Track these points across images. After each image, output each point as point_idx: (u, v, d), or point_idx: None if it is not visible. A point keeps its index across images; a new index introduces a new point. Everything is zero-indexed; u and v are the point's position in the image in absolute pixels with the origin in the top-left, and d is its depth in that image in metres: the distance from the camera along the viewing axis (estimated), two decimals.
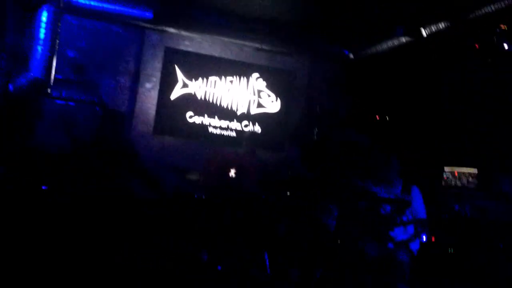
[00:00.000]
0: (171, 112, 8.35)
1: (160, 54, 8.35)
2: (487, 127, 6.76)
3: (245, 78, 8.71)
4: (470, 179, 6.39)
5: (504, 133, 6.53)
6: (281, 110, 8.83)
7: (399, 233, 5.32)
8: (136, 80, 8.28)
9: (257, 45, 8.46)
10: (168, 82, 8.35)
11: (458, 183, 6.49)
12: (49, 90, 6.57)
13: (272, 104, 8.81)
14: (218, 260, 5.59)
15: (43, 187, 5.35)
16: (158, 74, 8.33)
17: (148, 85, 8.30)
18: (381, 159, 6.71)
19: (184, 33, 8.26)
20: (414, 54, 7.38)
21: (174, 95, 8.36)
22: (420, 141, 7.42)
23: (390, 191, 5.53)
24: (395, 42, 7.40)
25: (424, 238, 5.23)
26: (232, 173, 6.28)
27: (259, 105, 8.76)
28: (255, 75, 8.74)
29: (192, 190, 6.55)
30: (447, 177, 6.63)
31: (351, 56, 8.35)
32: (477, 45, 6.69)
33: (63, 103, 7.09)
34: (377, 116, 8.13)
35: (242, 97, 8.69)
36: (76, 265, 4.57)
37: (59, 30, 6.54)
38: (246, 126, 8.54)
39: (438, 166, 6.59)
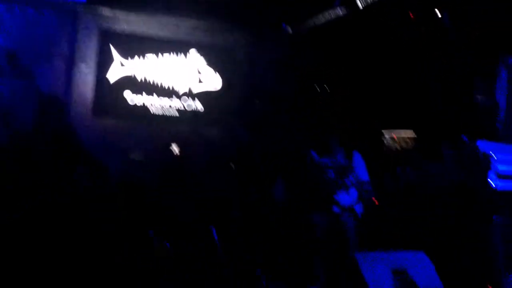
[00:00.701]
0: (110, 93, 8.19)
1: (95, 36, 8.16)
2: (424, 92, 6.93)
3: (184, 56, 8.62)
4: (410, 143, 6.56)
5: (441, 96, 6.71)
6: (223, 87, 8.79)
7: (343, 198, 5.42)
8: (72, 64, 8.07)
9: (195, 22, 8.39)
10: (105, 64, 8.18)
11: (398, 147, 6.64)
12: None
13: (214, 82, 8.76)
14: (166, 238, 5.58)
15: None
16: (94, 57, 8.15)
17: (84, 68, 8.11)
18: (322, 128, 6.83)
19: (118, 13, 8.14)
20: (351, 26, 7.46)
21: (112, 77, 8.20)
22: (360, 110, 7.54)
23: (332, 158, 5.64)
24: (332, 14, 7.47)
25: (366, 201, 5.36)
26: (177, 152, 6.24)
27: (200, 83, 8.70)
28: (195, 53, 8.66)
29: (138, 173, 6.50)
30: (387, 142, 6.78)
31: (290, 30, 8.39)
32: (411, 14, 6.83)
33: None
34: (317, 88, 8.21)
35: (182, 76, 8.60)
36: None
37: None
38: (188, 104, 8.47)
39: (378, 132, 6.72)
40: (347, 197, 5.45)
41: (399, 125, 6.77)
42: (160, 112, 8.39)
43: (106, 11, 7.96)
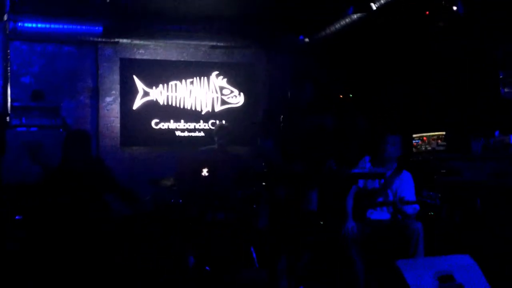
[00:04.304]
0: (135, 122, 8.29)
1: (116, 67, 8.28)
2: (450, 92, 6.86)
3: (205, 77, 8.69)
4: (439, 142, 6.47)
5: (467, 95, 6.63)
6: (244, 104, 8.85)
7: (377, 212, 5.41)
8: (96, 96, 8.22)
9: (213, 43, 8.46)
10: (128, 93, 8.30)
11: (428, 147, 6.56)
12: (8, 119, 6.44)
13: (236, 99, 8.82)
14: (206, 262, 5.58)
15: (16, 217, 5.27)
16: (117, 87, 8.27)
17: (108, 99, 8.24)
18: (349, 139, 6.77)
19: (137, 42, 8.22)
20: (367, 29, 7.43)
21: (136, 105, 8.31)
22: (386, 113, 7.49)
23: (362, 167, 5.59)
24: (347, 20, 7.43)
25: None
26: (205, 172, 6.24)
27: (223, 102, 8.76)
28: (215, 72, 8.73)
29: (168, 197, 6.51)
30: (417, 144, 6.71)
31: (307, 40, 8.38)
32: (427, 12, 6.76)
33: (25, 130, 6.97)
34: (340, 96, 8.17)
35: (204, 97, 8.67)
36: None
37: (9, 57, 6.41)
38: (212, 124, 8.52)
39: (408, 135, 6.65)
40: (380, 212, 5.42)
41: (429, 128, 6.69)
42: (186, 135, 8.46)
43: (124, 40, 8.03)
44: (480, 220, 5.49)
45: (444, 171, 6.03)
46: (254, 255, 5.80)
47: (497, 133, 5.51)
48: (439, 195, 5.03)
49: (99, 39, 7.95)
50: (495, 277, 4.28)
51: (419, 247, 5.13)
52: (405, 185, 5.50)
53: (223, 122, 8.59)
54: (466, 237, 5.45)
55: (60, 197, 5.15)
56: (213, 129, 7.85)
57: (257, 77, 8.96)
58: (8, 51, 6.39)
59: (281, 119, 6.71)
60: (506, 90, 6.13)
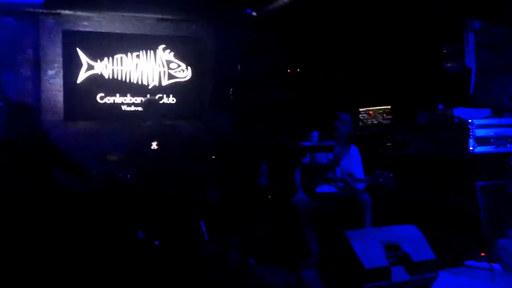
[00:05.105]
0: (80, 96, 8.07)
1: (58, 39, 8.00)
2: (395, 66, 6.97)
3: (151, 51, 8.52)
4: (385, 116, 6.60)
5: (412, 69, 6.76)
6: (192, 78, 8.74)
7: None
8: (37, 69, 7.93)
9: (159, 16, 8.32)
10: (71, 66, 8.04)
11: (374, 121, 6.68)
12: None
13: (183, 73, 8.70)
14: (155, 237, 5.55)
15: None
16: (60, 60, 8.00)
17: (51, 72, 7.97)
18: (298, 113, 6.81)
19: (80, 13, 7.99)
20: (314, 3, 7.43)
21: (80, 79, 8.07)
22: (333, 89, 7.56)
23: (309, 143, 5.65)
24: None
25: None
26: (154, 147, 6.18)
27: (170, 76, 8.63)
28: (161, 46, 8.57)
29: (116, 171, 6.43)
30: (363, 117, 6.81)
31: (254, 14, 8.34)
32: None
33: None
34: (288, 70, 8.19)
35: (151, 71, 8.52)
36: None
37: None
38: (160, 98, 8.40)
39: (355, 110, 6.74)
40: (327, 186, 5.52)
41: (375, 102, 6.80)
42: (132, 109, 8.32)
43: (66, 12, 7.81)
44: (426, 190, 5.65)
45: (390, 144, 6.16)
46: (204, 228, 5.80)
47: (440, 106, 5.66)
48: (392, 175, 5.15)
49: (40, 10, 7.71)
50: (440, 246, 4.45)
51: (367, 218, 5.27)
52: (353, 161, 5.62)
53: (170, 98, 8.52)
54: (412, 208, 5.60)
55: (6, 171, 5.00)
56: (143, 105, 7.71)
57: (205, 51, 8.85)
58: None
59: (230, 93, 6.73)
60: (449, 64, 6.30)
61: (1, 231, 4.62)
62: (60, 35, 8.01)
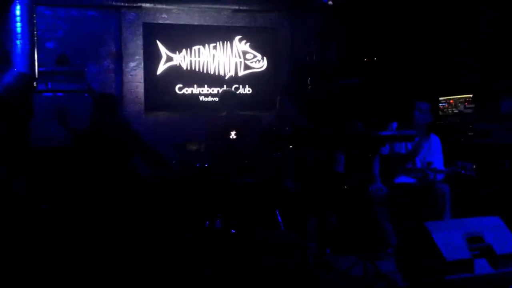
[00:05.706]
0: (159, 87, 8.31)
1: (139, 32, 8.26)
2: (477, 53, 6.75)
3: (228, 42, 8.64)
4: (466, 104, 6.40)
5: (493, 56, 6.52)
6: (268, 68, 8.80)
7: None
8: (119, 61, 8.23)
9: (235, 7, 8.41)
10: (151, 58, 8.28)
11: (455, 110, 6.49)
12: (35, 84, 6.48)
13: (259, 64, 8.77)
14: (232, 225, 5.63)
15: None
16: (140, 52, 8.27)
17: (132, 64, 8.25)
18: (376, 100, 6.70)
19: (159, 6, 8.22)
20: None
21: (160, 70, 8.31)
22: (412, 78, 7.40)
23: (389, 130, 5.56)
24: None
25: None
26: (233, 135, 6.25)
27: (246, 67, 8.72)
28: (238, 37, 8.67)
29: (194, 160, 6.55)
30: (443, 107, 6.64)
31: (330, 3, 8.26)
32: None
33: (51, 95, 7.03)
34: (365, 59, 8.08)
35: (228, 61, 8.64)
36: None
37: (35, 22, 6.41)
38: (236, 89, 8.51)
39: (435, 99, 6.57)
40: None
41: (456, 91, 6.61)
42: (210, 99, 8.47)
43: (147, 5, 8.07)
44: (509, 181, 5.46)
45: (472, 134, 5.98)
46: (279, 218, 5.84)
47: None
48: (474, 166, 5.00)
49: (122, 4, 8.01)
50: None
51: (446, 209, 5.14)
52: (433, 151, 5.48)
53: (246, 88, 8.61)
54: (496, 200, 5.42)
55: (89, 161, 5.23)
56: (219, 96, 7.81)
57: (280, 41, 8.89)
58: (34, 15, 6.36)
59: (308, 82, 6.70)
60: None
61: (82, 219, 4.83)
62: (141, 28, 8.27)
